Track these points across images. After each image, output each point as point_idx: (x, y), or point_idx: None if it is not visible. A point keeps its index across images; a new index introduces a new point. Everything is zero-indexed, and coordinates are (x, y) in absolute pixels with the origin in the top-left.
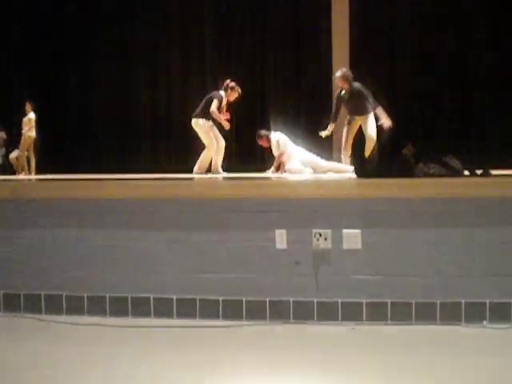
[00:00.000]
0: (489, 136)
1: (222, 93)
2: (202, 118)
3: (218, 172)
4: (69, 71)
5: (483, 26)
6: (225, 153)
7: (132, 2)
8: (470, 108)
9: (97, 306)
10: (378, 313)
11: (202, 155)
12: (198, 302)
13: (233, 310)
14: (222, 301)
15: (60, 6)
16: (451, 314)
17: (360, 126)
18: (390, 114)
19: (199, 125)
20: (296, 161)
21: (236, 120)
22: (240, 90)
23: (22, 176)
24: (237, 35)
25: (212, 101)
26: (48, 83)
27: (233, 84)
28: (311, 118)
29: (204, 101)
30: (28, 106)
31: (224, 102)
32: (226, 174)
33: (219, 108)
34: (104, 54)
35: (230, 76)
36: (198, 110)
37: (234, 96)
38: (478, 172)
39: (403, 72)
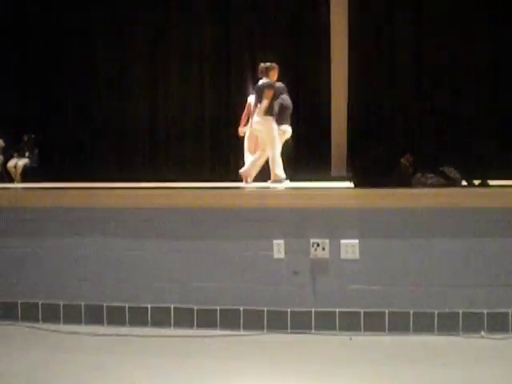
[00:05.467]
0: (487, 146)
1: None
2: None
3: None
4: (67, 82)
5: (485, 32)
6: (224, 161)
7: (129, 13)
8: (468, 118)
9: (94, 315)
10: (375, 323)
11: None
12: (195, 311)
13: (230, 320)
14: (220, 310)
15: (56, 16)
16: (449, 324)
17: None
18: (389, 122)
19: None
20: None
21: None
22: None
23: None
24: (235, 43)
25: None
26: (46, 92)
27: (267, 64)
28: (310, 118)
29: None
30: None
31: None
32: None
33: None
34: (102, 62)
35: (227, 83)
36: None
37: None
38: (476, 182)
39: (402, 81)
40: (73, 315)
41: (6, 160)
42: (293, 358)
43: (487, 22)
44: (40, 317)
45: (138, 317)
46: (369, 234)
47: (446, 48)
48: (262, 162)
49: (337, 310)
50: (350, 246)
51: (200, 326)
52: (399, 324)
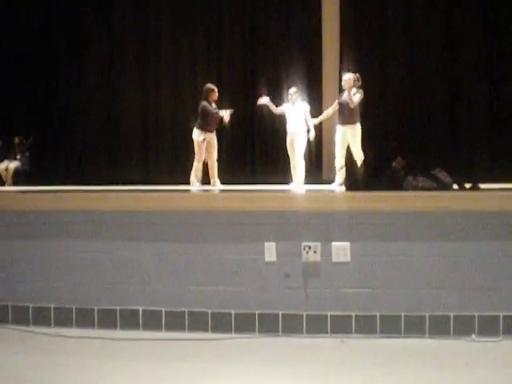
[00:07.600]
0: (478, 150)
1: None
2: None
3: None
4: (58, 81)
5: (476, 32)
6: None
7: (120, 15)
8: (460, 121)
9: (85, 318)
10: (367, 326)
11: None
12: (186, 314)
13: (222, 323)
14: (211, 313)
15: (48, 14)
16: (440, 327)
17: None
18: (380, 126)
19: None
20: None
21: (227, 128)
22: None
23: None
24: (227, 42)
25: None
26: (37, 94)
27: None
28: None
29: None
30: None
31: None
32: (216, 187)
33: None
34: (94, 63)
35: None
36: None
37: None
38: (467, 186)
39: (393, 83)
40: (64, 318)
41: None
42: (284, 361)
43: (486, 21)
44: (31, 320)
45: (129, 320)
46: (360, 238)
47: (440, 50)
48: None
49: (328, 313)
50: (341, 249)
51: (191, 329)
52: (390, 327)
